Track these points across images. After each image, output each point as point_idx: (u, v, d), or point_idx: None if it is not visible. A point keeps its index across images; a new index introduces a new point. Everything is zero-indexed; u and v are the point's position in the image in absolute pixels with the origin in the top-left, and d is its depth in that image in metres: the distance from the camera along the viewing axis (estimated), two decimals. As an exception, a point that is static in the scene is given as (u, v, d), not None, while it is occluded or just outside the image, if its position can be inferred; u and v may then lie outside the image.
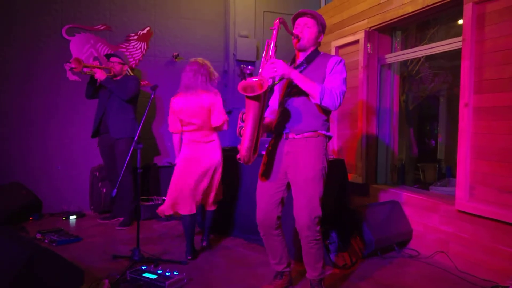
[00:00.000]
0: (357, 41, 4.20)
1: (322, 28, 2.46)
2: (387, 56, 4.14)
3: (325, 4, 5.23)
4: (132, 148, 3.07)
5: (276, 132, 2.49)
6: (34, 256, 2.22)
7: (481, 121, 2.91)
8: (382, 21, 3.91)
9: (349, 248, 3.36)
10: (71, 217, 4.51)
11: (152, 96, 3.22)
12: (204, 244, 3.53)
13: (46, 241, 3.58)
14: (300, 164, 2.35)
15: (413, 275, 3.04)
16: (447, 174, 6.39)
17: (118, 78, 4.32)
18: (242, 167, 3.80)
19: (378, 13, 3.96)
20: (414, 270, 3.13)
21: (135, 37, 5.08)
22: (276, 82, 2.39)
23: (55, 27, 4.71)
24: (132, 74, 4.71)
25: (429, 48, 3.55)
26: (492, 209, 2.81)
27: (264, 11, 5.52)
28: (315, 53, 2.46)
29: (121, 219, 4.32)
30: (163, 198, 4.79)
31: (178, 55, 5.20)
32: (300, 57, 2.48)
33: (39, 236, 3.66)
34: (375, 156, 4.27)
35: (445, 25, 4.53)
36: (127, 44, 5.05)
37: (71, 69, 4.14)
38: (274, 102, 2.62)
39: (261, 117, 2.21)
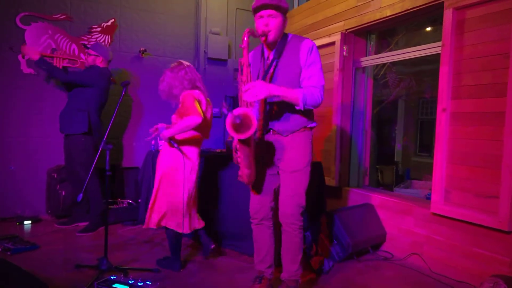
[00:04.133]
0: (332, 43, 4.17)
1: (285, 13, 2.36)
2: (362, 59, 4.15)
3: (299, 4, 5.17)
4: (100, 149, 2.84)
5: (263, 128, 2.45)
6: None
7: (458, 127, 2.95)
8: (359, 24, 3.91)
9: (325, 251, 3.32)
10: (25, 222, 4.14)
11: (123, 93, 3.00)
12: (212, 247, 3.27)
13: (0, 249, 3.27)
14: (288, 157, 2.41)
15: (389, 277, 3.06)
16: (406, 176, 6.61)
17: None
18: (221, 173, 3.66)
19: (355, 16, 3.95)
20: (390, 272, 3.14)
21: (98, 29, 4.78)
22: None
23: (9, 14, 4.30)
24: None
25: (406, 53, 3.56)
26: (467, 212, 2.86)
27: (236, 8, 5.39)
28: (283, 42, 2.39)
29: (81, 224, 4.04)
30: (128, 201, 4.56)
31: (145, 50, 4.96)
32: (269, 53, 2.42)
33: (-10, 244, 3.33)
34: (348, 160, 4.27)
35: (411, 33, 4.66)
36: (89, 37, 4.74)
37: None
38: None
39: (254, 145, 2.24)
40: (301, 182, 2.40)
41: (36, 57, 3.78)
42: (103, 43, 4.73)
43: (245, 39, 2.18)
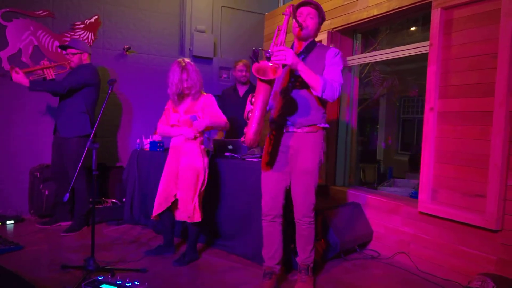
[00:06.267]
0: (319, 42, 4.17)
1: (322, 20, 2.56)
2: (348, 58, 4.17)
3: (284, 3, 5.17)
4: (87, 148, 2.78)
5: (276, 123, 2.59)
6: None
7: (445, 126, 2.99)
8: (346, 23, 3.93)
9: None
10: (8, 222, 4.04)
11: (110, 91, 2.94)
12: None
13: (-19, 249, 3.17)
14: (300, 157, 2.52)
15: (377, 275, 3.08)
16: (388, 174, 6.68)
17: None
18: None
19: (342, 14, 3.97)
20: (378, 271, 3.16)
21: (82, 26, 4.68)
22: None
23: (-10, 10, 4.20)
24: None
25: (393, 52, 3.59)
26: (454, 211, 2.89)
27: (222, 6, 5.34)
28: (313, 44, 2.56)
29: (64, 223, 3.96)
30: (113, 200, 4.48)
31: (129, 48, 4.87)
32: (300, 46, 2.55)
33: (-29, 244, 3.23)
34: (334, 158, 4.28)
35: (394, 32, 4.71)
36: (72, 33, 4.64)
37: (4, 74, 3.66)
38: None
39: (269, 93, 2.28)
40: (312, 181, 2.54)
41: (25, 82, 3.62)
42: (86, 41, 4.64)
43: (289, 8, 2.28)
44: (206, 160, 3.23)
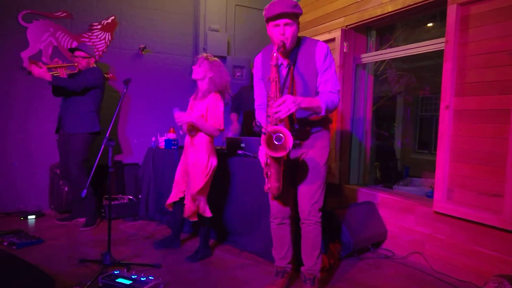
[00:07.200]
0: (332, 40, 4.15)
1: (298, 19, 2.33)
2: (362, 55, 4.13)
3: (298, 0, 5.16)
4: (103, 145, 2.84)
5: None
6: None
7: (461, 124, 2.93)
8: (360, 20, 3.89)
9: (327, 250, 3.31)
10: (29, 217, 4.18)
11: (125, 90, 2.99)
12: None
13: (5, 243, 3.29)
14: (307, 158, 2.47)
15: (391, 275, 3.05)
16: (405, 173, 6.60)
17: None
18: (220, 169, 3.65)
19: (356, 12, 3.94)
20: (391, 271, 3.13)
21: (99, 27, 4.77)
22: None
23: (11, 12, 4.31)
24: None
25: (408, 49, 3.54)
26: (470, 211, 2.84)
27: (235, 5, 5.37)
28: (297, 46, 2.38)
29: (81, 220, 4.06)
30: (129, 197, 4.56)
31: (145, 47, 4.95)
32: (284, 58, 2.39)
33: (-4, 238, 3.36)
34: (348, 157, 4.26)
35: (411, 28, 4.65)
36: (90, 34, 4.74)
37: (29, 73, 3.78)
38: (263, 99, 2.53)
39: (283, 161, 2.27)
40: (319, 179, 2.47)
41: (48, 76, 3.72)
42: (104, 41, 4.75)
43: (275, 55, 2.18)
44: (212, 159, 3.14)
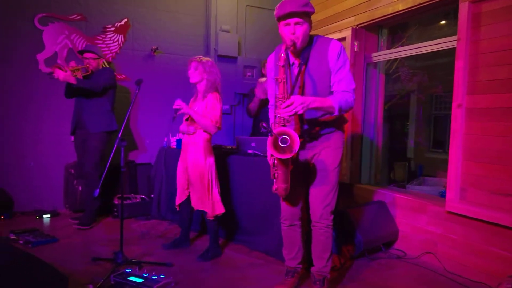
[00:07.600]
0: (343, 39, 4.14)
1: (310, 17, 2.29)
2: (373, 54, 4.11)
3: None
4: (115, 145, 2.88)
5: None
6: (15, 262, 2.02)
7: (474, 122, 2.90)
8: (370, 19, 3.87)
9: (339, 250, 3.31)
10: (45, 216, 4.27)
11: (137, 91, 3.04)
12: None
13: (21, 242, 3.38)
14: (319, 159, 2.43)
15: (402, 276, 3.02)
16: (418, 172, 6.52)
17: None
18: (229, 168, 3.68)
19: (366, 11, 3.92)
20: (403, 271, 3.10)
21: (112, 29, 4.85)
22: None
23: (27, 15, 4.41)
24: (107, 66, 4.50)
25: (420, 47, 3.51)
26: (483, 211, 2.80)
27: (246, 5, 5.40)
28: (309, 45, 2.34)
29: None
30: (141, 196, 4.61)
31: (157, 48, 5.01)
32: (296, 57, 2.37)
33: (12, 236, 3.44)
34: (359, 156, 4.24)
35: (424, 26, 4.59)
36: (104, 36, 4.81)
37: (50, 73, 3.87)
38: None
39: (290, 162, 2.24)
40: (331, 182, 2.43)
41: (72, 79, 3.78)
42: (117, 43, 4.81)
43: (283, 55, 2.13)
44: (209, 159, 3.20)
